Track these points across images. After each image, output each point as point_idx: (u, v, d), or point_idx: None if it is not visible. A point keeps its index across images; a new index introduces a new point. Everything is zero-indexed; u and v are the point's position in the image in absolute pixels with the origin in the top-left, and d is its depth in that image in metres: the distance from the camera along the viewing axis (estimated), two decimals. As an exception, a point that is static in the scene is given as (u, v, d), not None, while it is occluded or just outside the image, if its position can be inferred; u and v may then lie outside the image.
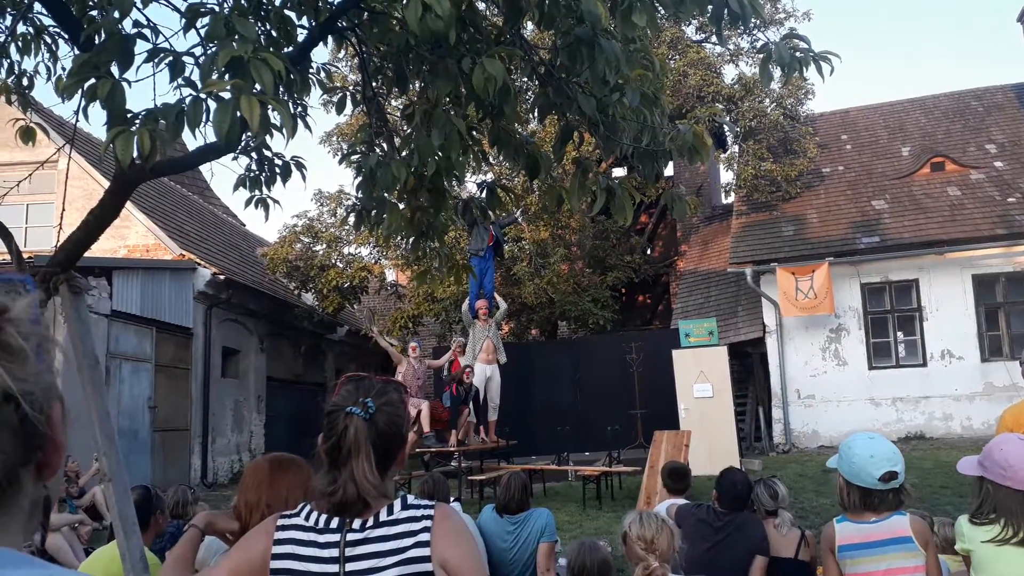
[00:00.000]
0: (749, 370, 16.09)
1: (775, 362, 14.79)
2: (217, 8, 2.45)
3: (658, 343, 14.24)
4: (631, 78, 2.76)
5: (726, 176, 19.20)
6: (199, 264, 14.57)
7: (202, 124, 2.13)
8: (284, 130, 2.16)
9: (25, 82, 4.09)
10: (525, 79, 3.21)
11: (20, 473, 0.68)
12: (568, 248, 16.93)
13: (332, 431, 1.90)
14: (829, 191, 16.37)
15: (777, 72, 2.75)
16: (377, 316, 17.26)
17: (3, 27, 3.81)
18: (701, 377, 12.40)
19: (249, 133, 3.01)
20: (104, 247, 14.08)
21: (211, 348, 14.90)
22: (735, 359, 15.19)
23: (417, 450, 11.03)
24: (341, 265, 16.73)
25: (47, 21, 3.83)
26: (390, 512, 1.85)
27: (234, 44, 2.10)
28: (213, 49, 2.27)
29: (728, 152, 18.90)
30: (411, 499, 1.90)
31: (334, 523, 1.85)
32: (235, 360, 16.22)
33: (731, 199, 18.71)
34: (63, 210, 4.12)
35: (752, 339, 15.39)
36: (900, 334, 14.67)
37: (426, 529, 1.83)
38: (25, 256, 5.55)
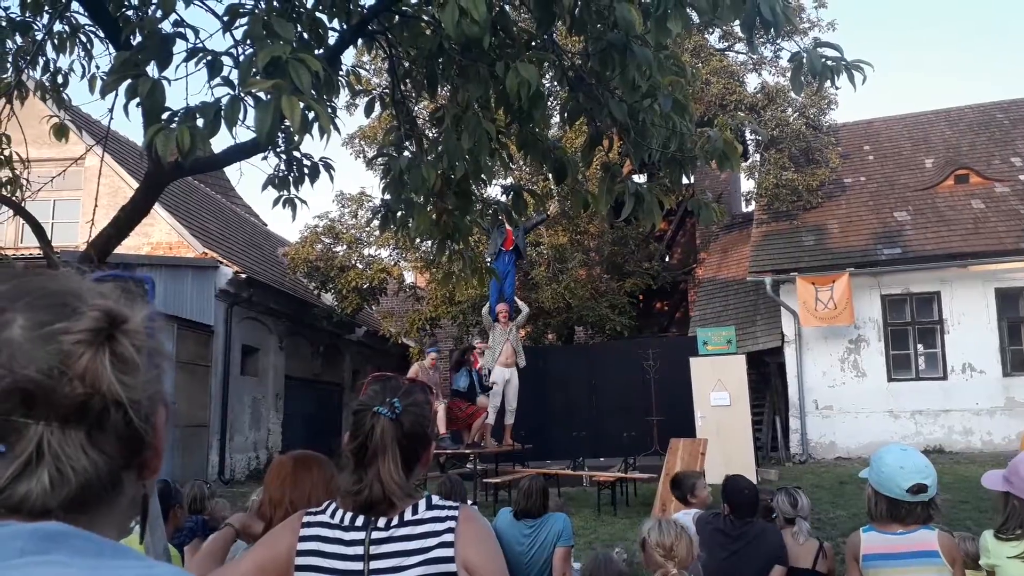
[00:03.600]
0: (767, 379, 16.00)
1: (793, 372, 14.70)
2: (255, 10, 2.49)
3: (675, 350, 14.19)
4: (663, 84, 2.77)
5: (747, 185, 19.13)
6: (221, 262, 14.70)
7: (239, 123, 2.18)
8: (323, 129, 2.19)
9: (60, 80, 4.17)
10: (555, 84, 3.23)
11: (123, 476, 0.71)
12: (587, 253, 16.92)
13: (359, 431, 1.92)
14: (851, 201, 16.27)
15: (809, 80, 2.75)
16: (395, 317, 17.31)
17: (40, 25, 3.89)
18: (718, 385, 12.34)
19: (285, 132, 3.06)
20: (128, 244, 14.19)
21: (231, 346, 15.02)
22: (753, 368, 15.10)
23: (433, 451, 11.06)
24: (361, 266, 16.83)
25: (83, 20, 3.90)
26: (415, 512, 1.87)
27: (270, 43, 2.14)
28: (251, 50, 2.30)
29: (749, 161, 18.83)
30: (436, 499, 1.92)
31: (359, 521, 1.87)
32: (254, 358, 16.34)
33: (751, 208, 18.64)
34: (95, 206, 4.19)
35: (770, 348, 15.31)
36: (920, 346, 14.54)
37: (450, 530, 1.84)
38: (34, 250, 5.62)
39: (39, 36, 3.89)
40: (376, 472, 1.85)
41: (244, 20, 2.41)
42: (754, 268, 15.21)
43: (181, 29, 2.50)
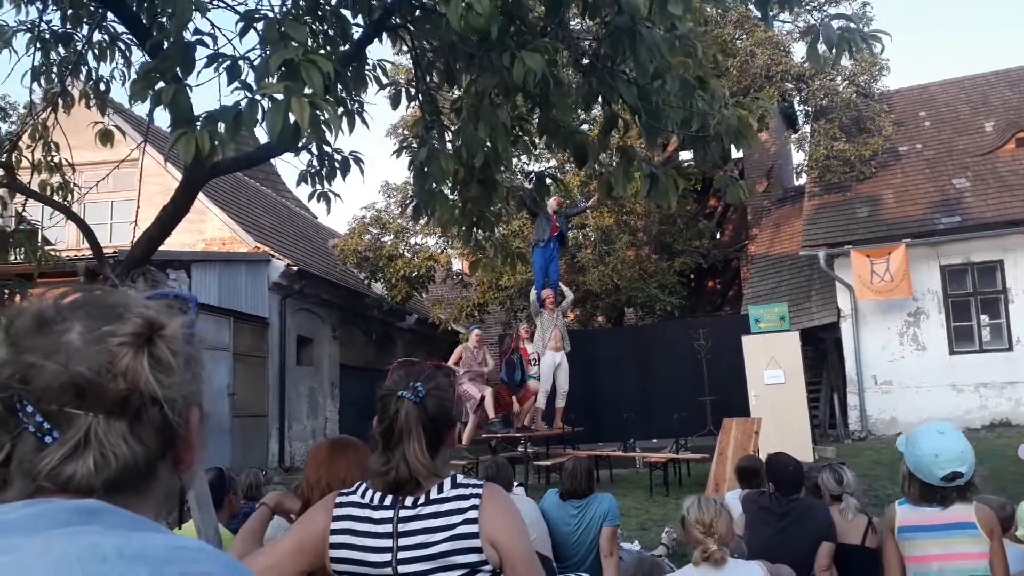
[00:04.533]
0: (823, 356, 15.69)
1: (850, 347, 14.39)
2: (271, 13, 2.56)
3: (727, 329, 14.03)
4: (673, 65, 2.76)
5: (797, 157, 18.71)
6: (273, 256, 15.04)
7: (257, 124, 2.26)
8: (331, 128, 2.25)
9: (102, 87, 4.34)
10: (571, 70, 3.24)
11: (158, 465, 0.80)
12: (633, 234, 16.79)
13: (385, 414, 2.01)
14: (906, 170, 15.77)
15: (824, 52, 2.70)
16: (443, 304, 17.49)
17: (81, 36, 4.05)
18: (772, 363, 12.16)
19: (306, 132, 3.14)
20: (183, 241, 14.67)
21: (286, 337, 15.37)
22: (809, 345, 14.83)
23: (484, 435, 11.18)
24: (408, 255, 17.02)
25: (121, 29, 4.05)
26: (440, 490, 1.94)
27: (286, 47, 2.21)
28: (267, 53, 2.38)
29: (799, 132, 18.39)
30: (460, 478, 1.99)
31: (388, 500, 1.95)
32: (309, 348, 16.71)
33: (803, 180, 18.22)
34: (138, 207, 4.36)
35: (826, 324, 15.00)
36: (984, 317, 14.07)
37: (475, 507, 1.90)
38: (107, 252, 5.86)
39: (80, 46, 4.06)
40: (402, 454, 1.93)
41: (260, 24, 2.48)
42: (807, 242, 14.89)
43: (203, 36, 2.60)
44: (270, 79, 2.23)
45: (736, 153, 22.90)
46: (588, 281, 15.70)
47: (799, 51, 18.93)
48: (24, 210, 4.94)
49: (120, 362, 0.76)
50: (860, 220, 14.94)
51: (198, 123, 2.28)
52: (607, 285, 15.85)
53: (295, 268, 15.26)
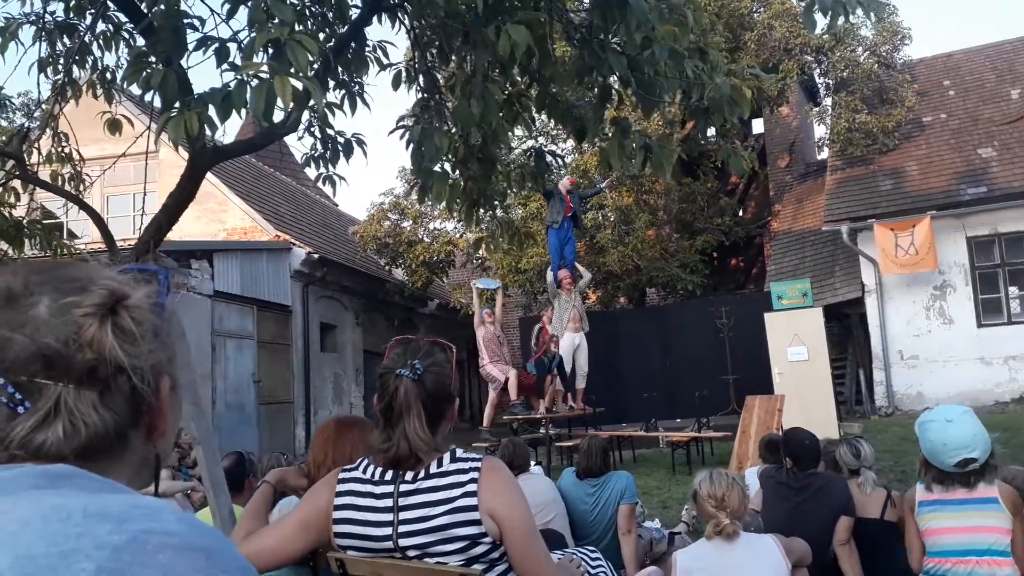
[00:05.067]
0: (848, 331, 15.51)
1: (875, 322, 14.20)
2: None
3: (750, 307, 13.91)
4: (662, 34, 2.72)
5: (819, 130, 18.40)
6: (294, 244, 15.15)
7: (246, 105, 2.27)
8: (315, 105, 2.26)
9: (108, 76, 4.38)
10: (565, 45, 3.20)
11: (129, 433, 0.82)
12: (653, 213, 16.65)
13: (384, 392, 2.04)
14: (930, 141, 15.47)
15: (820, 19, 2.65)
16: (464, 289, 17.53)
17: (84, 26, 4.09)
18: (795, 340, 12.04)
19: (310, 111, 3.15)
20: (204, 231, 14.84)
21: (309, 324, 15.51)
22: (833, 321, 14.66)
23: (505, 417, 11.22)
24: (428, 240, 17.06)
25: (124, 18, 4.08)
26: (440, 465, 1.97)
27: (271, 29, 2.21)
28: (253, 34, 2.39)
29: (820, 105, 18.08)
30: (460, 452, 2.02)
31: (388, 475, 1.99)
32: (333, 335, 16.84)
33: (825, 154, 17.94)
34: (144, 196, 4.42)
35: (850, 299, 14.82)
36: (1013, 289, 13.81)
37: (473, 480, 1.93)
38: (129, 242, 5.92)
39: (84, 36, 4.10)
40: (403, 430, 1.96)
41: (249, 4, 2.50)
42: (829, 217, 14.68)
43: (192, 20, 2.61)
44: (257, 58, 2.24)
45: (757, 127, 22.64)
46: (608, 262, 15.62)
47: (819, 23, 18.58)
48: (36, 203, 5.01)
49: (85, 332, 0.78)
50: (883, 193, 14.70)
51: (188, 105, 2.30)
52: (627, 265, 15.76)
53: (316, 256, 15.37)
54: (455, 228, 17.04)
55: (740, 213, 22.05)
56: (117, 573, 0.63)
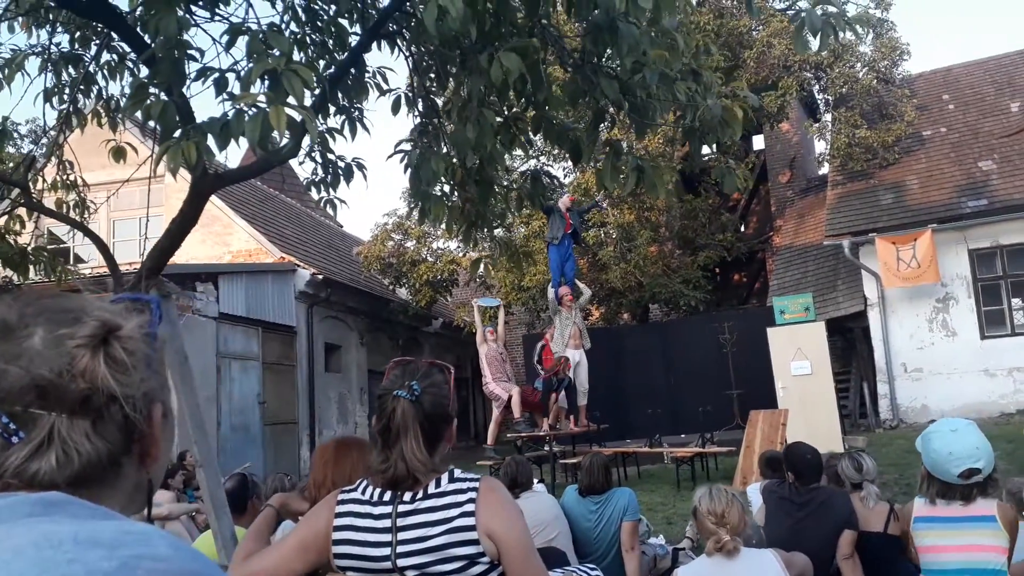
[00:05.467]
0: (851, 345, 15.50)
1: (878, 336, 14.19)
2: (255, 26, 2.63)
3: (752, 322, 13.92)
4: (652, 59, 2.78)
5: (819, 146, 18.48)
6: (299, 265, 15.22)
7: (243, 134, 2.33)
8: (310, 135, 2.32)
9: (112, 105, 4.46)
10: (559, 68, 3.26)
11: (122, 460, 0.84)
12: (655, 230, 16.71)
13: (383, 413, 2.06)
14: (930, 155, 15.52)
15: (812, 41, 2.70)
16: (467, 308, 17.59)
17: (89, 56, 4.17)
18: (798, 354, 12.02)
19: (307, 140, 3.21)
20: (210, 254, 14.92)
21: (314, 345, 15.55)
22: (836, 335, 14.65)
23: (509, 435, 11.22)
24: (431, 259, 17.12)
25: (128, 48, 4.16)
26: (438, 485, 1.98)
27: (268, 59, 2.27)
28: (250, 65, 2.45)
29: (820, 121, 18.17)
30: (458, 473, 2.03)
31: (387, 496, 2.00)
32: (337, 355, 16.87)
33: (825, 169, 18.01)
34: (147, 221, 4.48)
35: (853, 313, 14.82)
36: (1017, 300, 13.80)
37: (471, 500, 1.95)
38: (133, 267, 5.98)
39: (89, 67, 4.19)
40: (400, 451, 1.97)
41: (246, 38, 2.56)
42: (831, 232, 14.72)
43: (191, 51, 2.68)
44: (253, 89, 2.30)
45: (758, 144, 22.74)
46: (611, 279, 15.66)
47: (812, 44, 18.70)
48: (40, 231, 5.07)
49: (79, 363, 0.80)
50: (884, 207, 14.74)
51: (187, 135, 2.36)
52: (630, 282, 15.80)
53: (320, 277, 15.43)
54: (458, 247, 17.12)
55: (742, 229, 22.10)
56: None
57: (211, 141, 2.33)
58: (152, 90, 2.58)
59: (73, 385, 0.79)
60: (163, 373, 0.92)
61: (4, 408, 0.78)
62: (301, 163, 4.02)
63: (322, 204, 4.25)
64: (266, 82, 2.33)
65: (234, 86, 2.65)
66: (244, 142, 2.52)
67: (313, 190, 4.22)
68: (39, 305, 0.84)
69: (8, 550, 0.67)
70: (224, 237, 15.29)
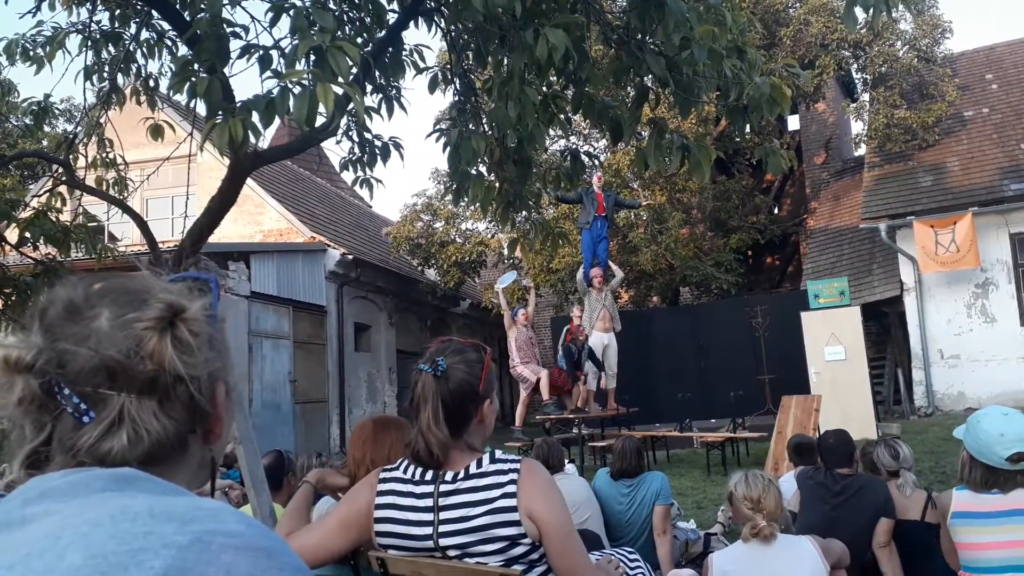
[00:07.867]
0: (887, 331, 15.26)
1: (915, 321, 13.95)
2: (299, 3, 2.61)
3: (786, 306, 13.76)
4: (700, 35, 2.71)
5: (856, 127, 18.13)
6: (329, 245, 15.31)
7: (289, 112, 2.31)
8: (357, 112, 2.29)
9: (151, 83, 4.48)
10: (601, 46, 3.20)
11: (188, 438, 0.87)
12: (687, 212, 16.53)
13: (412, 390, 2.06)
14: (972, 136, 15.16)
15: (861, 15, 2.62)
16: (494, 290, 17.63)
17: (129, 35, 4.18)
18: (832, 339, 11.87)
19: (348, 116, 3.20)
20: (242, 233, 15.06)
21: (344, 324, 15.67)
22: (871, 320, 14.43)
23: (538, 417, 11.22)
24: (460, 240, 17.13)
25: (167, 26, 4.16)
26: (479, 465, 1.98)
27: (313, 36, 2.25)
28: (295, 42, 2.43)
29: (858, 101, 17.81)
30: (499, 454, 2.03)
31: (429, 475, 2.00)
32: (367, 335, 16.99)
33: (862, 150, 17.68)
34: (187, 199, 4.51)
35: (889, 298, 14.58)
36: (1060, 287, 13.49)
37: (513, 481, 1.94)
38: (168, 244, 6.06)
39: (129, 45, 4.20)
40: (419, 426, 1.96)
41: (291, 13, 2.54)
42: (867, 214, 14.45)
43: (235, 28, 2.66)
44: (299, 66, 2.28)
45: (793, 124, 22.36)
46: (641, 261, 15.55)
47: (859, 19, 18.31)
48: (82, 208, 5.14)
49: (146, 345, 0.81)
50: (923, 189, 14.44)
51: (232, 112, 2.35)
52: (661, 265, 15.67)
53: (350, 257, 15.52)
54: (487, 228, 17.10)
55: (775, 211, 21.81)
56: (183, 571, 0.66)
57: (255, 118, 2.32)
58: (195, 68, 2.58)
59: (141, 366, 0.81)
60: (225, 353, 0.93)
61: (75, 389, 0.79)
62: (338, 142, 4.02)
63: (358, 184, 4.24)
64: (311, 59, 2.32)
65: (277, 64, 2.64)
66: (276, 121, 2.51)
67: (348, 169, 4.22)
68: (104, 286, 0.86)
69: (86, 523, 0.69)
70: (256, 216, 15.41)
